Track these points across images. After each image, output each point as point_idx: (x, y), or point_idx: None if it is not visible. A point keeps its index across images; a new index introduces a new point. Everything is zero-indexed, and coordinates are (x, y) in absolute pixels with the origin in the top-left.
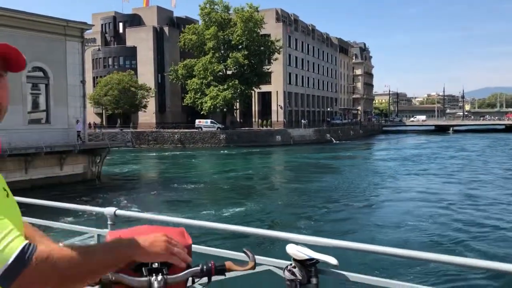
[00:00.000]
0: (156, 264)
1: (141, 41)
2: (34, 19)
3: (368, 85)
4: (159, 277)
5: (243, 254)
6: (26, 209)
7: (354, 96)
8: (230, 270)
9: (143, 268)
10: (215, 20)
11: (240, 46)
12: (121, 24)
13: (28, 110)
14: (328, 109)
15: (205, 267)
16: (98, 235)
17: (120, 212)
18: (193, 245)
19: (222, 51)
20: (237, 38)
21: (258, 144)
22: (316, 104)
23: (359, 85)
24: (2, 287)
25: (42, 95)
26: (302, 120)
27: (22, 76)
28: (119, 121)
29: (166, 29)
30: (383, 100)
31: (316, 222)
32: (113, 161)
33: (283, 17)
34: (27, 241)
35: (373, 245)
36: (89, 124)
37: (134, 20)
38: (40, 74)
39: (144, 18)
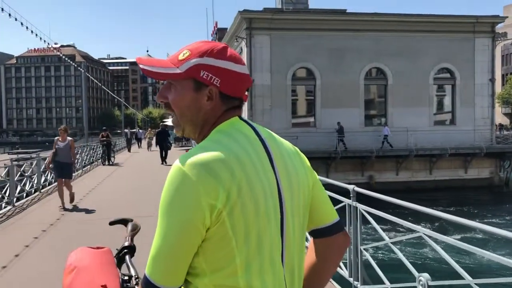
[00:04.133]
0: None
1: None
2: (443, 20)
3: None
4: None
5: None
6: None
7: None
8: None
9: None
10: None
11: None
12: None
13: (434, 111)
14: None
15: None
16: None
17: None
18: None
19: None
20: None
21: None
22: None
23: None
24: (315, 234)
25: (447, 96)
26: None
27: (429, 78)
28: None
29: None
30: None
31: None
32: None
33: None
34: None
35: None
36: (496, 125)
37: None
38: (447, 75)
39: None
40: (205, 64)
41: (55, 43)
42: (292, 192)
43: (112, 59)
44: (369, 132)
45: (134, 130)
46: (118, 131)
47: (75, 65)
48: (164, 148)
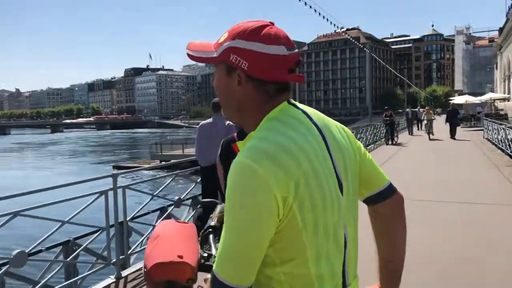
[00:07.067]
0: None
1: None
2: None
3: None
4: None
5: None
6: None
7: None
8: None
9: None
10: None
11: None
12: None
13: None
14: None
15: None
16: None
17: None
18: None
19: None
20: None
21: None
22: None
23: None
24: (371, 201)
25: None
26: None
27: None
28: None
29: None
30: None
31: None
32: None
33: None
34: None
35: None
36: None
37: None
38: None
39: None
40: (235, 47)
41: (341, 27)
42: (347, 174)
43: (395, 37)
44: None
45: (415, 109)
46: (400, 110)
47: (361, 46)
48: (453, 124)
